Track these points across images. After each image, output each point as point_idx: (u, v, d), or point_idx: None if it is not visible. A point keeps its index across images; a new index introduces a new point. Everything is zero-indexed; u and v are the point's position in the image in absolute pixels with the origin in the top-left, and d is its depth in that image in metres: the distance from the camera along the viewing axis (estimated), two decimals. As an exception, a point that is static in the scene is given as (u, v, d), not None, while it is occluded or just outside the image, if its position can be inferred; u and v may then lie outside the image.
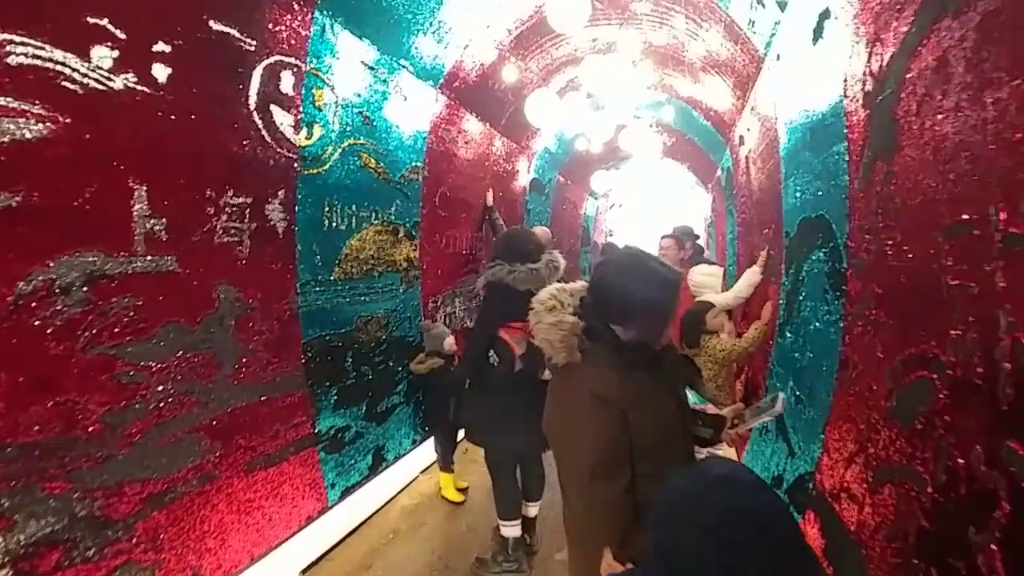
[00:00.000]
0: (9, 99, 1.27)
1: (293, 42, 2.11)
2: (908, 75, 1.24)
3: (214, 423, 1.93)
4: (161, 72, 1.63)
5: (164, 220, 1.68)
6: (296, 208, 2.28)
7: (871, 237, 1.51)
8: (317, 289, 2.47)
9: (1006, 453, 0.90)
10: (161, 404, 1.73)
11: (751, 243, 3.89)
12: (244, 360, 2.05)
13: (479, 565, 2.57)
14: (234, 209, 1.95)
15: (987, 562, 0.95)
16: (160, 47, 1.62)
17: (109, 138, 1.51)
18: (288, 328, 2.29)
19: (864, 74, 1.51)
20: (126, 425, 1.63)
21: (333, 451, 2.64)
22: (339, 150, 2.52)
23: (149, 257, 1.65)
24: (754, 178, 3.62)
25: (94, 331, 1.51)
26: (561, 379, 1.21)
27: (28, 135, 1.32)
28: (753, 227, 3.81)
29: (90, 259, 1.49)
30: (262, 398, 2.15)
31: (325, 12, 2.23)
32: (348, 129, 2.57)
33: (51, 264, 1.40)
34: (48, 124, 1.36)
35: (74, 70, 1.41)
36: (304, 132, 2.27)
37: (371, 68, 2.64)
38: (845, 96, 1.68)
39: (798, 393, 2.29)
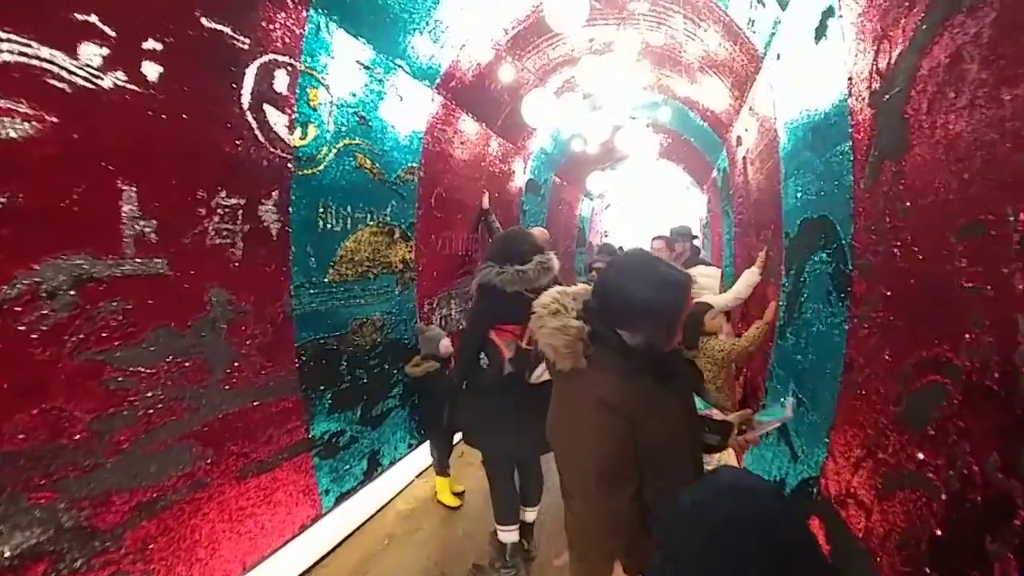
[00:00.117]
0: (-6, 97, 1.23)
1: (287, 40, 2.07)
2: (918, 73, 1.22)
3: (205, 429, 1.89)
4: (151, 70, 1.59)
5: (154, 221, 1.64)
6: (290, 209, 2.23)
7: (878, 238, 1.48)
8: (311, 291, 2.43)
9: (1025, 460, 0.87)
10: (150, 410, 1.68)
11: (749, 244, 3.88)
12: (236, 364, 2.00)
13: (476, 572, 2.53)
14: (226, 210, 1.90)
15: (1004, 572, 0.93)
16: (150, 45, 1.58)
17: (97, 138, 1.47)
18: (282, 331, 2.24)
19: (870, 72, 1.48)
20: (114, 432, 1.58)
21: (327, 456, 2.59)
22: (334, 150, 2.48)
23: (138, 259, 1.60)
24: (752, 179, 3.60)
25: (81, 336, 1.47)
26: (565, 385, 1.18)
27: (14, 134, 1.28)
28: (751, 228, 3.79)
29: (77, 262, 1.45)
30: (255, 403, 2.10)
31: (320, 10, 2.19)
32: (343, 129, 2.53)
33: (37, 267, 1.36)
34: (35, 123, 1.32)
35: (62, 68, 1.37)
36: (298, 132, 2.22)
37: (367, 68, 2.60)
38: (850, 95, 1.66)
39: (800, 396, 2.26)
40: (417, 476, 3.50)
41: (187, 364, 1.80)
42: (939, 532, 1.13)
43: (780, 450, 2.33)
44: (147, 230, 1.62)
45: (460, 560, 2.65)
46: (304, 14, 2.11)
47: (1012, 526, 0.91)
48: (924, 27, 1.20)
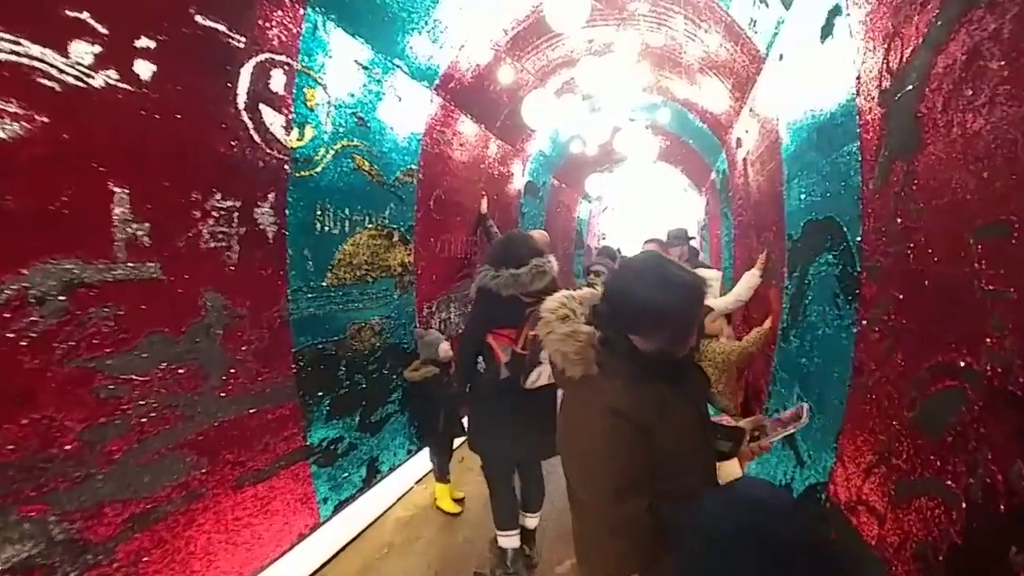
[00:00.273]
0: (-18, 96, 1.19)
1: (284, 39, 2.03)
2: (933, 71, 1.19)
3: (200, 438, 1.84)
4: (144, 69, 1.55)
5: (147, 224, 1.59)
6: (287, 212, 2.19)
7: (888, 240, 1.46)
8: (309, 296, 2.38)
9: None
10: (143, 419, 1.64)
11: (749, 246, 3.86)
12: (232, 371, 1.96)
13: (478, 580, 2.49)
14: (221, 213, 1.86)
15: (1030, 584, 0.89)
16: (143, 43, 1.54)
17: (88, 138, 1.43)
18: (278, 337, 2.20)
19: (881, 71, 1.46)
20: (106, 442, 1.54)
21: (326, 464, 2.54)
22: (332, 152, 2.44)
23: (131, 264, 1.56)
24: (752, 180, 3.58)
25: (72, 343, 1.43)
26: (575, 393, 1.14)
27: (2, 135, 1.25)
28: (751, 230, 3.77)
29: (67, 266, 1.41)
30: (251, 410, 2.06)
31: (317, 9, 2.15)
32: (341, 130, 2.49)
33: (25, 272, 1.31)
34: (24, 123, 1.28)
35: (52, 66, 1.33)
36: (295, 133, 2.18)
37: (365, 68, 2.56)
38: (858, 94, 1.63)
39: (805, 400, 2.23)
40: (416, 482, 3.45)
41: (181, 371, 1.75)
42: (958, 541, 1.10)
43: (785, 454, 2.30)
44: (139, 233, 1.57)
45: (461, 568, 2.61)
46: (301, 12, 2.08)
47: (1038, 537, 0.88)
48: (939, 24, 1.17)
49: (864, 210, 1.64)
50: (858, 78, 1.63)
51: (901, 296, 1.39)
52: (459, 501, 3.18)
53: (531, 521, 2.64)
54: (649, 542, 0.99)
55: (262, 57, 1.95)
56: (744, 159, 3.78)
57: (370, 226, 2.84)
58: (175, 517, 1.76)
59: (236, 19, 1.82)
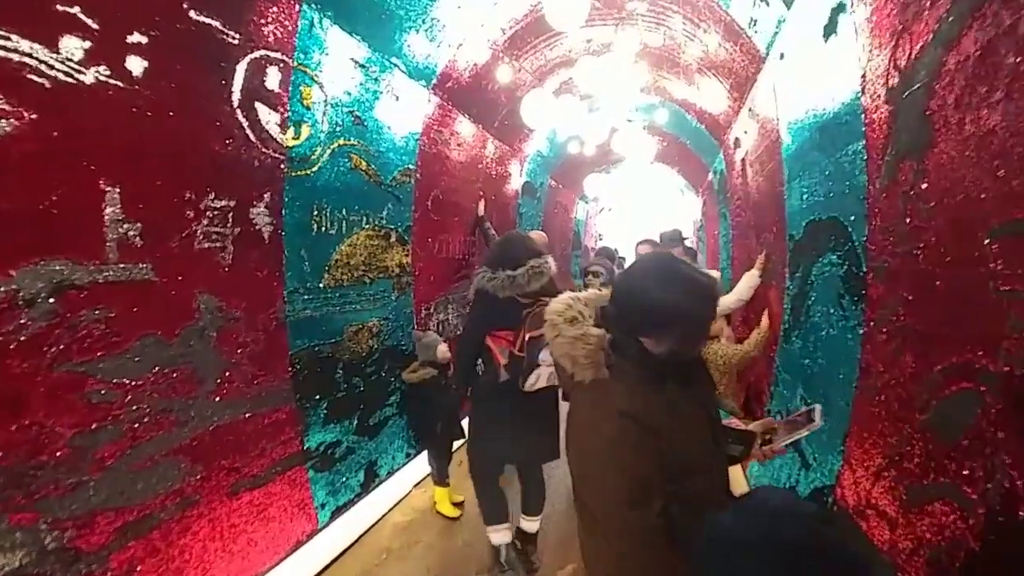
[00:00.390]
0: (-32, 93, 1.15)
1: (279, 36, 1.99)
2: (944, 67, 1.17)
3: (195, 443, 1.79)
4: (136, 65, 1.51)
5: (139, 225, 1.55)
6: (283, 212, 2.15)
7: (896, 239, 1.43)
8: (305, 297, 2.34)
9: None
10: (136, 424, 1.59)
11: (747, 247, 3.84)
12: (227, 374, 1.91)
13: (477, 584, 2.45)
14: (216, 213, 1.82)
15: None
16: (135, 38, 1.50)
17: (79, 136, 1.39)
18: (274, 339, 2.16)
19: (887, 68, 1.44)
20: (98, 448, 1.50)
21: (323, 469, 2.50)
22: (328, 151, 2.40)
23: (122, 265, 1.51)
24: (751, 181, 3.57)
25: (62, 346, 1.39)
26: (584, 398, 1.10)
27: (-11, 131, 1.20)
28: (750, 230, 3.76)
29: (57, 268, 1.36)
30: (247, 415, 2.01)
31: (313, 6, 2.11)
32: (338, 129, 2.45)
33: (13, 273, 1.27)
34: (12, 120, 1.24)
35: (41, 62, 1.29)
36: (291, 131, 2.14)
37: (362, 66, 2.53)
38: (863, 92, 1.61)
39: (809, 402, 2.21)
40: (415, 486, 3.40)
41: (175, 375, 1.71)
42: (976, 548, 1.08)
43: (790, 457, 2.28)
44: (131, 233, 1.53)
45: (460, 572, 2.57)
46: (297, 9, 2.04)
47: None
48: (950, 19, 1.15)
49: (870, 209, 1.62)
50: (863, 76, 1.61)
51: (910, 296, 1.37)
52: (458, 505, 3.13)
53: (532, 525, 2.60)
54: (666, 550, 0.96)
55: (257, 54, 1.91)
56: (743, 159, 3.76)
57: (367, 227, 2.81)
58: (169, 525, 1.72)
59: (231, 15, 1.78)
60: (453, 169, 3.79)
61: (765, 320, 2.91)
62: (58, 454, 1.40)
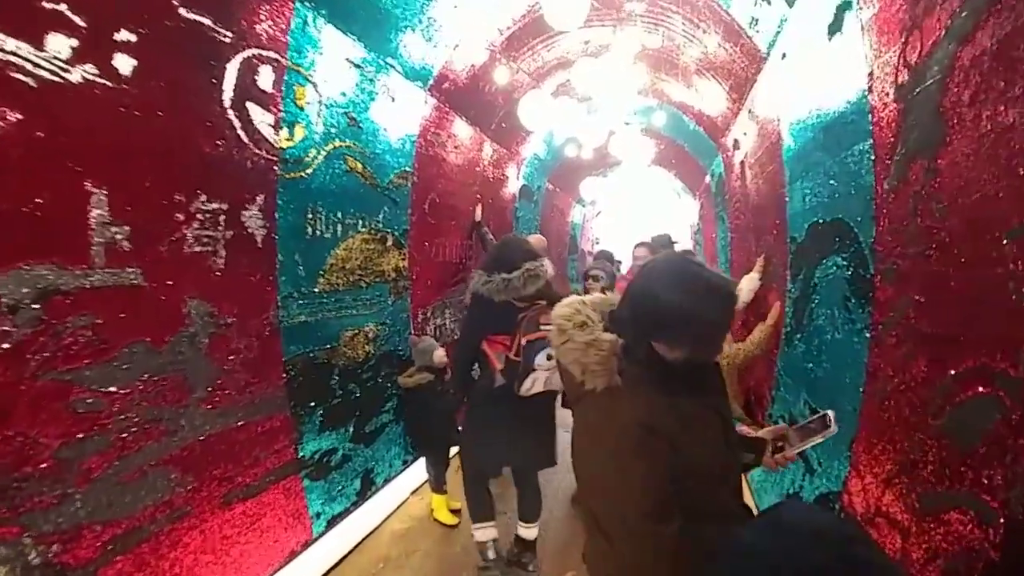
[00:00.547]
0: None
1: (272, 34, 1.95)
2: (958, 63, 1.13)
3: (185, 453, 1.74)
4: (124, 63, 1.46)
5: (127, 228, 1.50)
6: (276, 215, 2.10)
7: (907, 240, 1.40)
8: (300, 302, 2.29)
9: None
10: (124, 434, 1.54)
11: (747, 249, 3.81)
12: (219, 382, 1.86)
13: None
14: (207, 215, 1.77)
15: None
16: (123, 36, 1.45)
17: (64, 136, 1.34)
18: (268, 345, 2.10)
19: (896, 65, 1.41)
20: (84, 459, 1.44)
21: (318, 477, 2.44)
22: (323, 153, 2.36)
23: (109, 269, 1.46)
24: (751, 183, 3.54)
25: (47, 354, 1.34)
26: (594, 407, 1.05)
27: (-30, 132, 1.15)
28: (749, 233, 3.73)
29: (42, 272, 1.31)
30: (239, 423, 1.96)
31: (307, 4, 2.07)
32: (333, 131, 2.41)
33: (-4, 278, 1.22)
34: (-6, 120, 1.19)
35: (26, 60, 1.25)
36: (285, 132, 2.10)
37: (357, 66, 2.49)
38: (870, 91, 1.58)
39: (813, 406, 2.18)
40: (412, 493, 3.35)
41: (164, 383, 1.65)
42: (995, 558, 1.04)
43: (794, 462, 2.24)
44: (119, 237, 1.48)
45: (459, 581, 2.52)
46: (290, 7, 2.00)
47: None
48: (964, 14, 1.12)
49: (878, 210, 1.58)
50: (870, 74, 1.58)
51: (922, 299, 1.33)
52: (456, 512, 3.08)
53: (530, 532, 2.56)
54: (683, 564, 0.91)
55: (249, 53, 1.86)
56: (742, 161, 3.74)
57: (363, 230, 2.76)
58: (159, 537, 1.66)
59: (222, 12, 1.74)
60: (450, 172, 3.75)
61: (775, 310, 2.83)
62: (43, 466, 1.35)
